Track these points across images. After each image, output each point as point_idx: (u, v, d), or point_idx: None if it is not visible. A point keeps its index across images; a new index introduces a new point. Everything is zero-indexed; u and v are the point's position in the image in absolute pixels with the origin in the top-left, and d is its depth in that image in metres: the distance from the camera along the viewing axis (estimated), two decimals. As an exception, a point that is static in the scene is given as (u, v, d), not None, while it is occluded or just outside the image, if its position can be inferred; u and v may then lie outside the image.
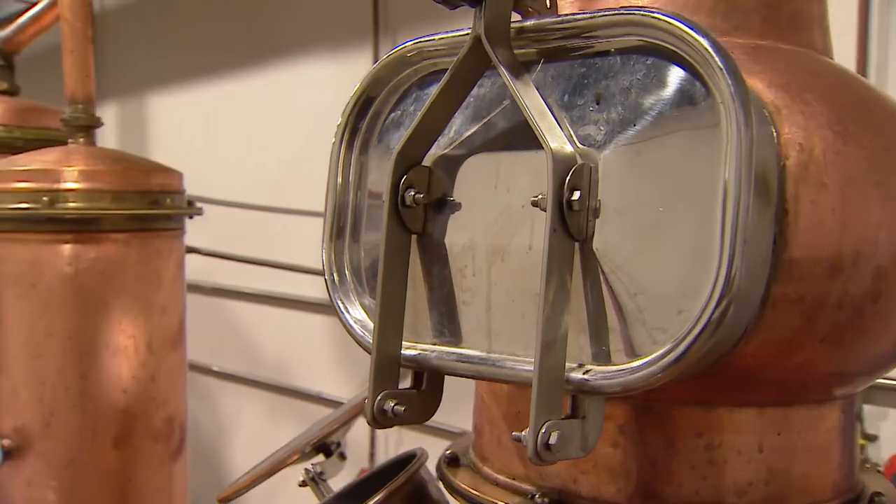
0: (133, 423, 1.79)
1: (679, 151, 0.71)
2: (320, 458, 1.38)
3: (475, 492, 0.92)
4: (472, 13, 0.79)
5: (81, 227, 1.76)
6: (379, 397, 0.81)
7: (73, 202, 1.75)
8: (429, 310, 0.86)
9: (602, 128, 0.75)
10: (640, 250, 0.73)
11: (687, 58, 0.71)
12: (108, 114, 4.34)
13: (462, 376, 0.83)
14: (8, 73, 2.34)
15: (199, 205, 2.04)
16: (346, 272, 0.91)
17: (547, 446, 0.70)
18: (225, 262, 2.98)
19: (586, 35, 0.76)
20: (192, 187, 2.08)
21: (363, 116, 0.91)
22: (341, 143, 0.91)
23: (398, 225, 0.82)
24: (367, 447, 2.79)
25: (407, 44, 0.88)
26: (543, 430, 0.70)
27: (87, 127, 1.89)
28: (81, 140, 1.90)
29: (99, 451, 1.77)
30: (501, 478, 0.93)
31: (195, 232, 2.17)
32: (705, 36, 0.68)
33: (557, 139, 0.73)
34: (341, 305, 0.90)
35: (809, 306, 0.73)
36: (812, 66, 0.85)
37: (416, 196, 0.82)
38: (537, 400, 0.70)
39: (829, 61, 0.90)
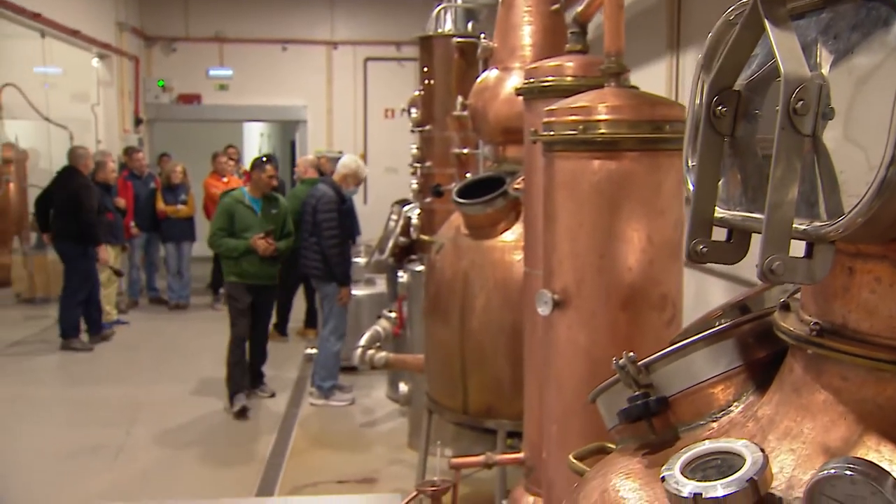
0: (635, 294, 2.38)
1: (874, 68, 1.02)
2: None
3: (781, 322, 1.29)
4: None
5: (606, 147, 2.37)
6: (693, 241, 1.25)
7: (601, 129, 2.37)
8: (737, 187, 1.27)
9: (834, 55, 1.08)
10: (847, 142, 1.05)
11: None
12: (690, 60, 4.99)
13: (751, 231, 1.23)
14: (581, 36, 3.06)
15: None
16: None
17: (772, 271, 1.09)
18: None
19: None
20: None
21: (711, 58, 1.32)
22: (698, 78, 1.34)
23: (711, 129, 1.24)
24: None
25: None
26: (768, 260, 1.09)
27: (617, 74, 2.50)
28: (612, 84, 2.51)
29: (611, 310, 2.40)
30: (804, 315, 1.28)
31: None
32: None
33: (794, 65, 1.08)
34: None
35: None
36: None
37: (722, 110, 1.23)
38: (765, 240, 1.09)
39: None
